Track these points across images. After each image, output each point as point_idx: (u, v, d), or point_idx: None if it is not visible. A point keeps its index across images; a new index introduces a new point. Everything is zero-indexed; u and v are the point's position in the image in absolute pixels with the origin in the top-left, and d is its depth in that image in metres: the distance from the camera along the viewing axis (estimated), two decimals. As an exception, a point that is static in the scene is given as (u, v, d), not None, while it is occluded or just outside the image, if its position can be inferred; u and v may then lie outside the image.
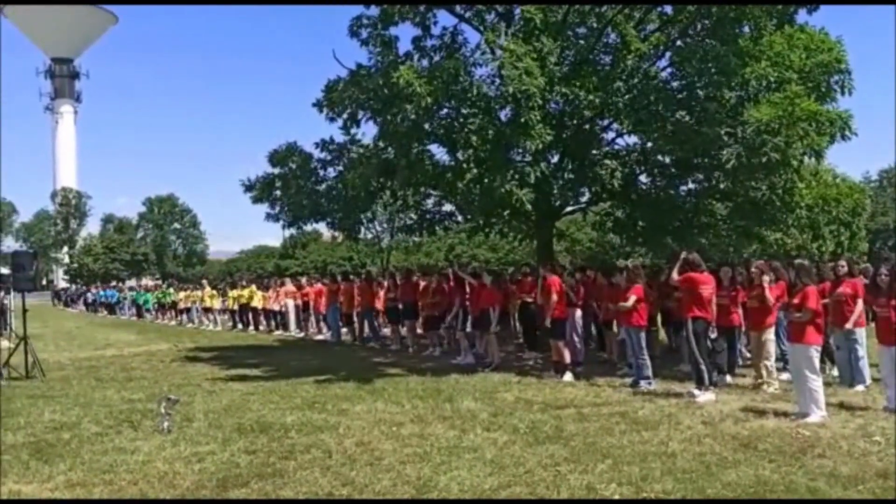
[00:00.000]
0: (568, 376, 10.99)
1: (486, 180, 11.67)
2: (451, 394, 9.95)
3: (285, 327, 21.78)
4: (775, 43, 11.69)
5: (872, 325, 9.32)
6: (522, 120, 11.29)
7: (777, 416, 8.06)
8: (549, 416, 8.40)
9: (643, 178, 13.65)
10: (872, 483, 5.57)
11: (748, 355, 11.33)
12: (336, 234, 29.75)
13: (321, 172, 15.36)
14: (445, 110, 13.45)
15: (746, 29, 11.94)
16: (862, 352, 9.94)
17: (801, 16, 12.46)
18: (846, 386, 9.79)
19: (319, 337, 19.56)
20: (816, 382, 7.97)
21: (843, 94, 12.37)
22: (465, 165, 12.09)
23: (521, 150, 12.32)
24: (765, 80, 11.18)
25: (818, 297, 8.41)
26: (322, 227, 18.21)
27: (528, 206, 11.72)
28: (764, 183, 12.09)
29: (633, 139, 13.95)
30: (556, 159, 13.01)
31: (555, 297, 11.18)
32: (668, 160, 12.98)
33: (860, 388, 9.67)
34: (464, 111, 12.40)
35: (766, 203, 12.23)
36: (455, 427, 7.98)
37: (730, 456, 6.48)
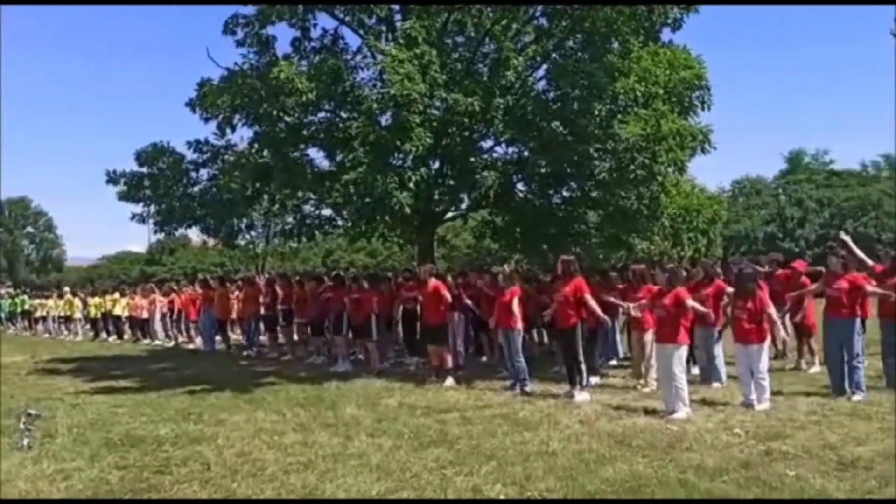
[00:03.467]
0: (450, 381, 11.11)
1: (365, 183, 11.66)
2: (334, 401, 9.84)
3: (152, 336, 20.85)
4: (642, 59, 12.32)
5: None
6: (403, 124, 11.39)
7: (647, 413, 8.46)
8: (432, 420, 8.47)
9: (520, 186, 14.03)
10: (736, 473, 5.94)
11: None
12: (207, 239, 28.85)
13: (193, 174, 14.88)
14: (324, 113, 13.38)
15: (616, 45, 12.52)
16: (718, 350, 10.61)
17: (666, 34, 13.24)
18: (706, 383, 10.41)
19: (191, 346, 18.84)
20: (682, 381, 8.45)
21: (703, 109, 13.18)
22: (344, 168, 12.05)
23: (401, 155, 12.43)
24: (633, 95, 11.75)
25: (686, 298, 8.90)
26: (192, 232, 17.59)
27: (408, 210, 11.79)
28: (632, 193, 12.71)
29: (510, 148, 14.35)
30: (436, 165, 13.17)
31: (437, 301, 11.31)
32: (543, 169, 13.40)
33: (717, 385, 10.30)
34: (343, 114, 12.34)
35: (634, 213, 12.87)
36: (339, 434, 7.90)
37: (606, 452, 6.75)
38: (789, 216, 33.05)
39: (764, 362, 8.90)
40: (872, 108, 71.73)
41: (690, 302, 8.72)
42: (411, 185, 11.58)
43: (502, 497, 5.58)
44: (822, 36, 76.75)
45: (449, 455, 6.86)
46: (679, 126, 11.66)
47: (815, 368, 11.30)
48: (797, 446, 6.71)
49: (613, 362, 12.76)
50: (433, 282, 11.55)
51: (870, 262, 9.76)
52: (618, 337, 13.06)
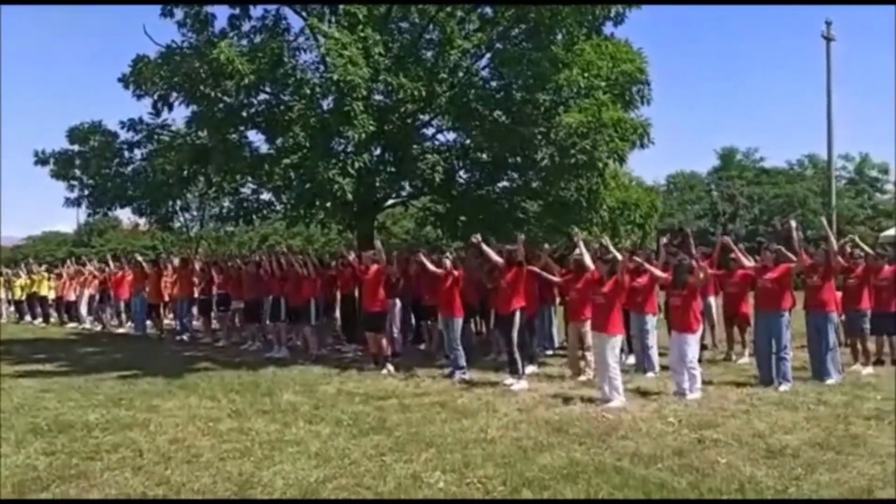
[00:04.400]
0: (388, 368, 11.07)
1: (305, 167, 11.49)
2: (270, 387, 9.70)
3: (80, 319, 20.17)
4: (585, 52, 12.41)
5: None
6: (346, 109, 11.23)
7: (584, 401, 8.56)
8: (371, 407, 8.42)
9: (462, 174, 14.01)
10: (669, 460, 6.07)
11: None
12: (139, 221, 28.07)
13: (127, 154, 14.41)
14: (264, 95, 13.10)
15: (560, 36, 12.56)
16: (652, 340, 10.83)
17: (608, 27, 13.36)
18: (640, 372, 10.61)
19: (121, 330, 18.30)
20: (616, 371, 8.58)
21: (642, 103, 13.35)
22: (284, 151, 11.83)
23: (343, 140, 12.27)
24: (576, 87, 11.84)
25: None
26: (123, 213, 17.06)
27: (350, 196, 11.66)
28: (572, 184, 12.81)
29: (453, 136, 14.32)
30: (378, 151, 13.05)
31: (378, 287, 11.25)
32: (486, 157, 13.42)
33: (651, 374, 10.50)
34: (284, 97, 12.09)
35: (574, 203, 12.97)
36: (276, 421, 7.79)
37: (544, 440, 6.82)
38: (721, 211, 33.98)
39: (695, 352, 9.11)
40: (801, 109, 74.19)
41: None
42: (353, 171, 11.42)
43: (441, 484, 5.56)
44: (754, 36, 78.83)
45: (388, 442, 6.83)
46: (619, 117, 11.79)
47: (745, 359, 11.64)
48: (728, 434, 6.89)
49: (549, 351, 12.90)
50: (374, 267, 11.46)
51: (805, 257, 10.05)
52: (554, 326, 13.21)
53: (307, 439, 6.97)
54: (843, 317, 10.92)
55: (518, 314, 9.89)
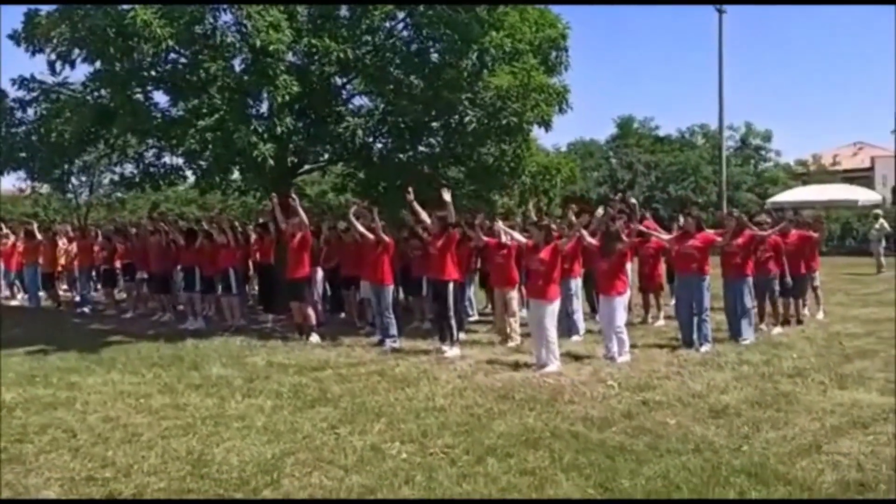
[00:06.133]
0: (315, 338, 10.82)
1: (222, 130, 10.95)
2: (195, 360, 9.31)
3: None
4: (510, 14, 12.30)
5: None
6: (266, 71, 10.77)
7: (520, 367, 8.65)
8: (308, 378, 8.21)
9: (382, 139, 13.72)
10: (622, 423, 6.19)
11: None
12: (24, 187, 26.10)
13: (19, 114, 13.36)
14: (175, 55, 12.37)
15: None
16: (577, 305, 11.05)
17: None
18: (565, 336, 10.77)
19: (14, 303, 17.12)
20: (554, 336, 8.69)
21: (562, 69, 13.41)
22: (199, 114, 11.23)
23: (260, 103, 11.78)
24: (501, 51, 11.73)
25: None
26: (7, 179, 15.83)
27: (271, 162, 11.22)
28: (496, 149, 12.77)
29: (373, 99, 13.94)
30: (298, 115, 12.58)
31: (301, 255, 10.95)
32: (407, 122, 13.16)
33: (577, 338, 10.71)
34: (201, 58, 11.44)
35: (496, 169, 12.95)
36: (210, 395, 7.49)
37: (493, 407, 6.83)
38: (620, 178, 34.94)
39: (621, 316, 9.34)
40: (691, 80, 76.97)
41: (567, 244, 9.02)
42: (277, 133, 10.98)
43: (404, 455, 5.47)
44: (651, 9, 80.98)
45: (336, 414, 6.68)
46: (545, 81, 11.81)
47: (660, 322, 12.08)
48: (668, 395, 7.11)
49: (471, 318, 12.93)
50: (299, 234, 11.11)
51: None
52: (471, 293, 13.22)
53: (250, 413, 6.73)
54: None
55: (450, 283, 9.84)
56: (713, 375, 7.98)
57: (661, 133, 40.96)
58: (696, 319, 9.84)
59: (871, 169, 39.53)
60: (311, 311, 11.19)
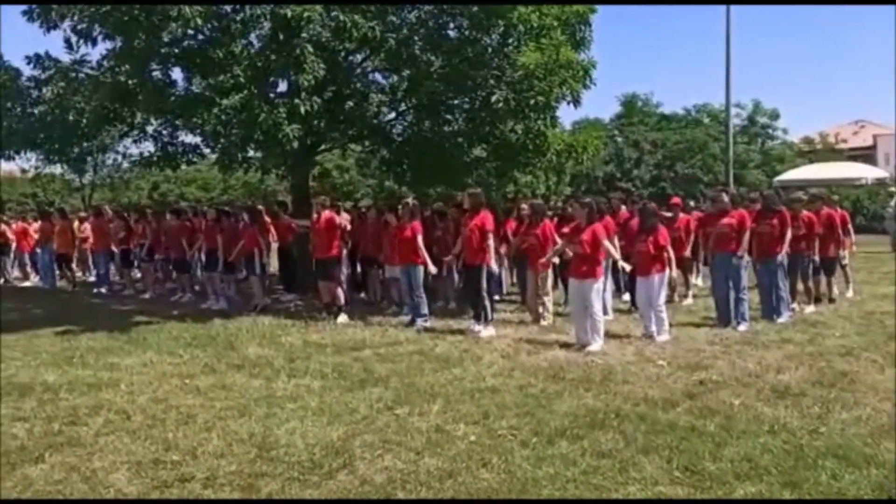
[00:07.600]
0: (343, 317, 10.70)
1: (248, 109, 10.74)
2: (229, 340, 9.20)
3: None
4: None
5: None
6: (296, 53, 10.56)
7: (561, 347, 8.52)
8: (348, 358, 8.09)
9: (408, 117, 13.51)
10: (686, 404, 6.05)
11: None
12: (27, 168, 25.77)
13: (35, 93, 13.10)
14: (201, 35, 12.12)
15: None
16: (608, 284, 10.91)
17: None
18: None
19: (27, 283, 16.94)
20: (600, 314, 8.58)
21: (586, 46, 13.17)
22: (222, 91, 11.00)
23: (286, 81, 11.54)
24: (529, 25, 11.52)
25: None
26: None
27: (296, 143, 11.04)
28: (519, 126, 12.55)
29: (389, 77, 13.71)
30: (325, 96, 12.37)
31: (330, 234, 10.80)
32: (429, 99, 12.93)
33: (608, 317, 10.56)
34: (227, 36, 11.18)
35: (521, 147, 12.75)
36: (255, 375, 7.37)
37: (548, 387, 6.71)
38: (627, 157, 34.64)
39: (662, 295, 9.23)
40: (694, 58, 76.53)
41: (607, 243, 8.82)
42: (302, 113, 10.77)
43: (472, 437, 5.35)
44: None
45: (388, 394, 6.56)
46: (573, 57, 11.60)
47: (688, 300, 11.97)
48: (723, 375, 6.99)
49: (497, 297, 12.80)
50: (326, 213, 10.96)
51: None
52: (503, 272, 13.10)
53: (300, 394, 6.61)
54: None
55: (483, 264, 9.70)
56: (762, 354, 7.87)
57: (666, 111, 40.73)
58: (732, 297, 9.72)
59: (874, 147, 39.44)
60: (339, 291, 11.06)
